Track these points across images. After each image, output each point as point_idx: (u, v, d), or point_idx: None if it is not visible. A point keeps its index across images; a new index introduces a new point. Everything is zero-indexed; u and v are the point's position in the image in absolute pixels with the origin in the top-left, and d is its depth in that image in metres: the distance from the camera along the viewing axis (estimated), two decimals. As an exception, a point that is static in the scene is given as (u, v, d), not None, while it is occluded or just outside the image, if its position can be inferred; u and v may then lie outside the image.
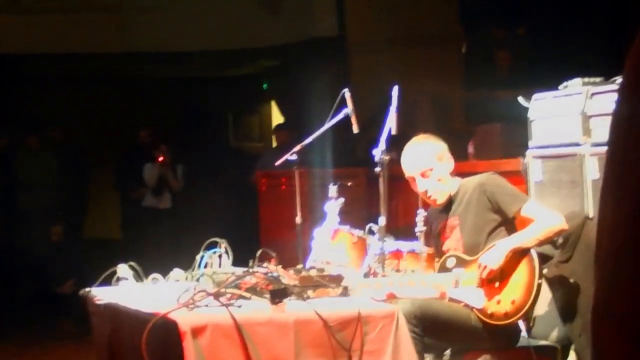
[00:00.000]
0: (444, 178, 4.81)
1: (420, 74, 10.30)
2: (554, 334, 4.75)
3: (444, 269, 4.79)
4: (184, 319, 3.82)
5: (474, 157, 7.06)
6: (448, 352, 4.71)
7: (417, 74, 10.26)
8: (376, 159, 4.95)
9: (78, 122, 13.01)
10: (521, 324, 4.57)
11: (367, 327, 4.02)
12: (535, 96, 5.67)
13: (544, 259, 4.72)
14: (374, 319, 4.06)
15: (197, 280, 4.40)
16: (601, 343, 1.32)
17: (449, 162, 4.84)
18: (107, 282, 4.82)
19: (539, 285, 4.52)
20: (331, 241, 5.37)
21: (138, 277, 4.79)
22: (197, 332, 3.77)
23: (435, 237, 5.00)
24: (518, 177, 5.63)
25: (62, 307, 9.64)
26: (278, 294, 4.02)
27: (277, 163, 5.96)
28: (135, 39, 12.20)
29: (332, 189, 5.50)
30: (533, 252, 4.60)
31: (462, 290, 4.67)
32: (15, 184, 10.45)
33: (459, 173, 4.98)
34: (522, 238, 4.61)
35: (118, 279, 4.80)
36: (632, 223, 1.27)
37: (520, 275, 4.57)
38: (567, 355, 4.83)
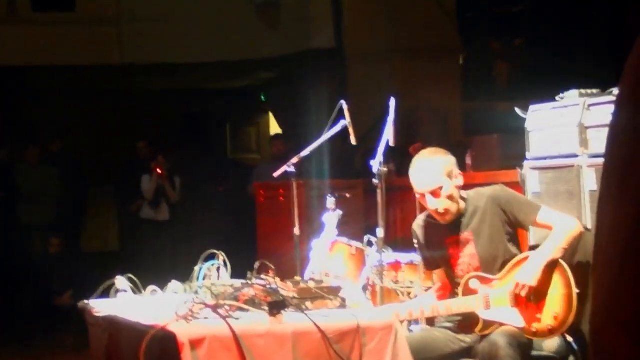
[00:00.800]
0: (453, 195, 4.68)
1: (418, 85, 10.33)
2: (553, 345, 4.73)
3: (469, 291, 4.67)
4: (183, 331, 3.81)
5: (471, 169, 7.07)
6: None
7: (414, 85, 10.30)
8: (374, 170, 4.92)
9: (77, 134, 13.04)
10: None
11: (366, 338, 4.01)
12: (532, 107, 5.68)
13: None
14: (373, 330, 4.05)
15: (196, 292, 4.40)
16: (604, 348, 1.32)
17: (458, 178, 4.71)
18: (105, 294, 4.82)
19: (578, 295, 4.42)
20: (329, 253, 5.36)
21: (136, 289, 4.79)
22: (195, 344, 3.76)
23: (432, 251, 4.92)
24: (516, 188, 5.63)
25: (60, 319, 9.63)
26: (276, 306, 4.02)
27: (276, 174, 5.95)
28: (133, 51, 12.24)
29: (330, 201, 5.50)
30: (563, 263, 4.51)
31: (496, 311, 4.58)
32: (15, 196, 10.46)
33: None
34: (551, 250, 4.52)
35: (116, 291, 4.80)
36: (632, 231, 1.28)
37: (556, 288, 4.48)
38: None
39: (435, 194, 4.64)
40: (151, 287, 4.77)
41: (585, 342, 4.47)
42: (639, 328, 1.27)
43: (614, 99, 3.74)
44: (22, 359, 8.75)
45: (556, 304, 4.47)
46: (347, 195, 5.95)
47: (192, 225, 11.03)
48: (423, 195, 4.67)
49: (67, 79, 13.16)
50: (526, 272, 4.53)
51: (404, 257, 5.17)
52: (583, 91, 5.34)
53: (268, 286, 4.19)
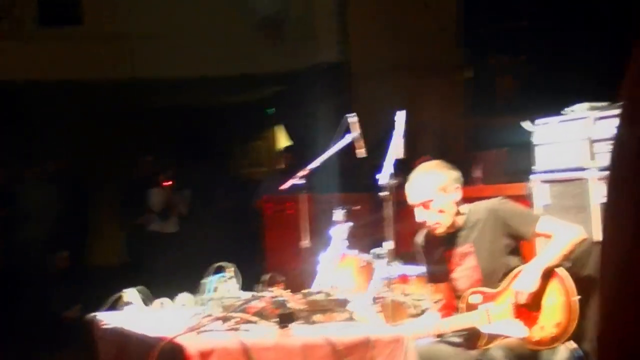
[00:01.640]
0: (446, 209, 4.72)
1: (423, 100, 10.34)
2: (562, 358, 4.72)
3: (471, 307, 4.71)
4: (191, 343, 3.81)
5: (481, 182, 7.07)
6: None
7: (420, 100, 10.30)
8: (382, 183, 4.93)
9: (85, 149, 13.05)
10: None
11: (375, 351, 4.01)
12: (538, 121, 5.68)
13: None
14: (383, 344, 4.04)
15: (205, 304, 4.40)
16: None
17: (455, 193, 4.75)
18: (113, 306, 4.82)
19: (578, 302, 4.44)
20: (338, 265, 5.36)
21: (145, 302, 4.79)
22: (204, 356, 3.75)
23: (433, 264, 4.93)
24: (524, 202, 5.62)
25: (67, 335, 9.62)
26: (285, 318, 4.02)
27: (283, 187, 5.96)
28: (141, 66, 12.25)
29: (339, 214, 5.51)
30: (561, 270, 4.53)
31: (498, 325, 4.60)
32: (17, 215, 10.44)
33: (465, 198, 4.94)
34: (548, 257, 4.54)
35: (125, 304, 4.80)
36: (634, 245, 1.28)
37: (555, 297, 4.50)
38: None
39: (424, 206, 4.72)
40: (160, 300, 4.77)
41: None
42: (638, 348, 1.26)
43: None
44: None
45: (557, 312, 4.49)
46: (356, 208, 5.96)
47: (201, 238, 11.03)
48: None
49: (75, 95, 13.17)
50: (523, 279, 4.56)
51: (412, 270, 5.17)
52: (593, 104, 5.34)
53: (276, 298, 4.19)
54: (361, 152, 5.55)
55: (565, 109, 5.52)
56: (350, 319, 4.26)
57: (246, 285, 4.63)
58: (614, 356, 1.31)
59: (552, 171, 5.53)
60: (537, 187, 5.61)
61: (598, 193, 5.07)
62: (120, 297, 4.83)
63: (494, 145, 7.58)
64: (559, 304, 4.48)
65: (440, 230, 4.76)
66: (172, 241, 10.74)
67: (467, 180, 7.10)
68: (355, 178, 9.10)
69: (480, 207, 4.79)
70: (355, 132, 5.51)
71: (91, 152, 13.54)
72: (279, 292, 4.29)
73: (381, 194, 4.94)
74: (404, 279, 5.17)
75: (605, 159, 5.02)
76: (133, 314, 4.71)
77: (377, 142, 7.42)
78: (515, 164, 6.42)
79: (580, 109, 5.38)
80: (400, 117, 5.08)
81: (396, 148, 5.03)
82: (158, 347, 3.85)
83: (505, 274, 4.68)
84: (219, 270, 4.64)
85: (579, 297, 4.45)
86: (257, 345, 3.89)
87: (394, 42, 11.38)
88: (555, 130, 5.52)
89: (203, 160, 13.26)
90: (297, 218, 5.97)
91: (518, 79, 10.37)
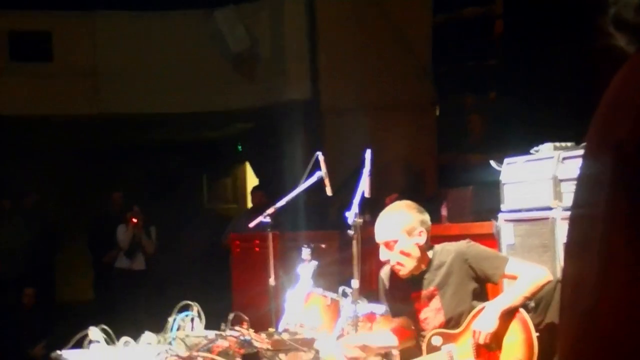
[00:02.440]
0: (410, 252, 4.69)
1: (393, 138, 10.38)
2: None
3: (432, 348, 4.69)
4: (156, 383, 3.78)
5: (447, 220, 7.09)
6: None
7: (390, 138, 10.35)
8: (349, 221, 4.92)
9: (51, 186, 12.96)
10: None
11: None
12: (507, 160, 5.72)
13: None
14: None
15: (169, 343, 4.37)
16: None
17: (420, 237, 4.71)
18: (78, 345, 4.77)
19: (538, 339, 4.45)
20: (304, 304, 5.34)
21: (109, 340, 4.75)
22: (168, 396, 3.73)
23: (397, 303, 4.91)
24: (490, 240, 5.64)
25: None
26: (250, 358, 4.00)
27: (251, 225, 5.95)
28: (109, 102, 12.24)
29: (306, 252, 5.50)
30: (520, 309, 4.56)
31: None
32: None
33: (433, 236, 4.92)
34: (510, 298, 4.56)
35: (90, 342, 4.75)
36: (595, 280, 1.29)
37: (516, 335, 4.51)
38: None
39: (387, 246, 4.71)
40: (124, 338, 4.73)
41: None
42: None
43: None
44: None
45: (517, 349, 4.50)
46: (323, 246, 5.95)
47: (167, 276, 10.97)
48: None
49: (40, 130, 13.12)
50: (482, 319, 4.57)
51: (378, 309, 5.16)
52: (557, 144, 5.39)
53: (242, 338, 4.17)
54: (328, 190, 5.54)
55: (532, 149, 5.56)
56: (316, 358, 4.24)
57: (213, 324, 4.60)
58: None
59: (519, 210, 5.55)
60: (504, 226, 5.64)
61: (564, 232, 5.09)
62: (86, 335, 4.79)
63: (462, 183, 7.60)
64: (519, 341, 4.50)
65: (403, 272, 4.73)
66: (139, 279, 10.66)
67: (437, 218, 7.15)
68: (323, 216, 9.11)
69: (446, 250, 4.77)
70: (323, 170, 5.51)
71: (59, 188, 13.46)
72: (244, 331, 4.28)
73: (348, 232, 4.92)
74: (370, 317, 5.15)
75: (571, 199, 5.05)
76: (98, 352, 4.66)
77: (346, 180, 7.46)
78: (482, 202, 6.45)
79: (546, 149, 5.42)
80: (368, 156, 5.09)
81: (364, 186, 5.02)
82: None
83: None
84: (184, 308, 4.62)
85: (537, 334, 4.46)
86: (222, 384, 3.86)
87: (364, 80, 11.45)
88: (522, 169, 5.56)
89: (172, 197, 13.23)
90: (264, 256, 5.96)
91: (487, 118, 10.43)
